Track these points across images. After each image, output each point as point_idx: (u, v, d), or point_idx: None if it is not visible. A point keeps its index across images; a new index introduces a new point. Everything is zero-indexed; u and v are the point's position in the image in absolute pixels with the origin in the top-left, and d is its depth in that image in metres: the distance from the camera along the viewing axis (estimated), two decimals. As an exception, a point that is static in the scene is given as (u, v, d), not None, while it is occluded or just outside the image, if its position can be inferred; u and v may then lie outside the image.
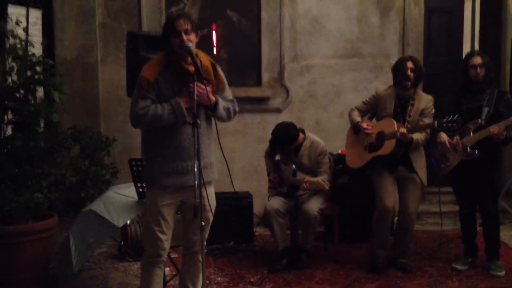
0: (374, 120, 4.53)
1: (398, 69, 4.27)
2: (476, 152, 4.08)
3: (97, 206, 3.81)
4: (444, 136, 4.24)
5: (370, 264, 4.40)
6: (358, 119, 4.43)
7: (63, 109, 4.50)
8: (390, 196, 4.26)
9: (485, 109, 4.13)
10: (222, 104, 3.06)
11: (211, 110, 3.01)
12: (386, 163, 4.31)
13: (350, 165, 4.55)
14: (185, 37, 2.91)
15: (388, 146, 4.20)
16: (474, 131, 4.11)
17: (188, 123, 2.92)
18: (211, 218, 3.17)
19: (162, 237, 3.06)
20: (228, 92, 3.19)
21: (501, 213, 4.93)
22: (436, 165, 4.36)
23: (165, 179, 2.99)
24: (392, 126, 4.17)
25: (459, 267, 4.40)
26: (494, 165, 4.23)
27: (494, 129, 3.98)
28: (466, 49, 7.08)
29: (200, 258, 3.11)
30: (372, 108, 4.46)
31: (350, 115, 4.51)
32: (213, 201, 3.17)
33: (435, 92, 4.58)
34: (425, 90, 4.82)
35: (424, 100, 4.30)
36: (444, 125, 3.95)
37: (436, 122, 4.02)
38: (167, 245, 3.12)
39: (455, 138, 4.18)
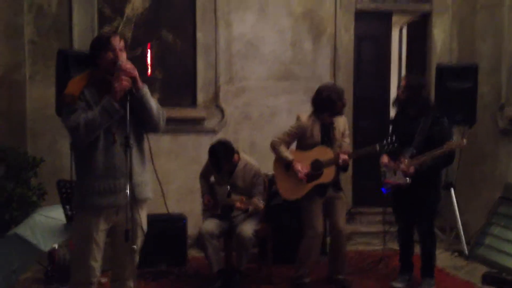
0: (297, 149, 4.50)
1: (328, 99, 4.26)
2: (408, 180, 4.21)
3: (23, 229, 3.67)
4: (385, 158, 4.38)
5: None
6: (290, 156, 4.33)
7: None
8: (320, 221, 4.34)
9: (418, 138, 4.25)
10: (151, 98, 2.90)
11: (135, 89, 2.80)
12: (317, 188, 4.34)
13: (288, 198, 4.43)
14: (123, 55, 2.82)
15: (329, 174, 4.25)
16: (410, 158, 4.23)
17: (121, 144, 2.83)
18: (141, 243, 3.03)
19: (95, 265, 2.93)
20: None
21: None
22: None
23: (97, 198, 2.84)
24: (327, 153, 4.24)
25: (398, 285, 4.49)
26: (431, 186, 4.35)
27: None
28: (394, 74, 7.43)
29: (131, 284, 3.02)
30: (297, 138, 4.44)
31: (276, 149, 4.36)
32: (145, 226, 3.03)
33: (364, 115, 4.73)
34: (355, 113, 4.98)
35: (341, 122, 4.42)
36: (386, 147, 4.11)
37: (377, 146, 4.15)
38: (99, 271, 2.98)
39: (399, 161, 4.25)
